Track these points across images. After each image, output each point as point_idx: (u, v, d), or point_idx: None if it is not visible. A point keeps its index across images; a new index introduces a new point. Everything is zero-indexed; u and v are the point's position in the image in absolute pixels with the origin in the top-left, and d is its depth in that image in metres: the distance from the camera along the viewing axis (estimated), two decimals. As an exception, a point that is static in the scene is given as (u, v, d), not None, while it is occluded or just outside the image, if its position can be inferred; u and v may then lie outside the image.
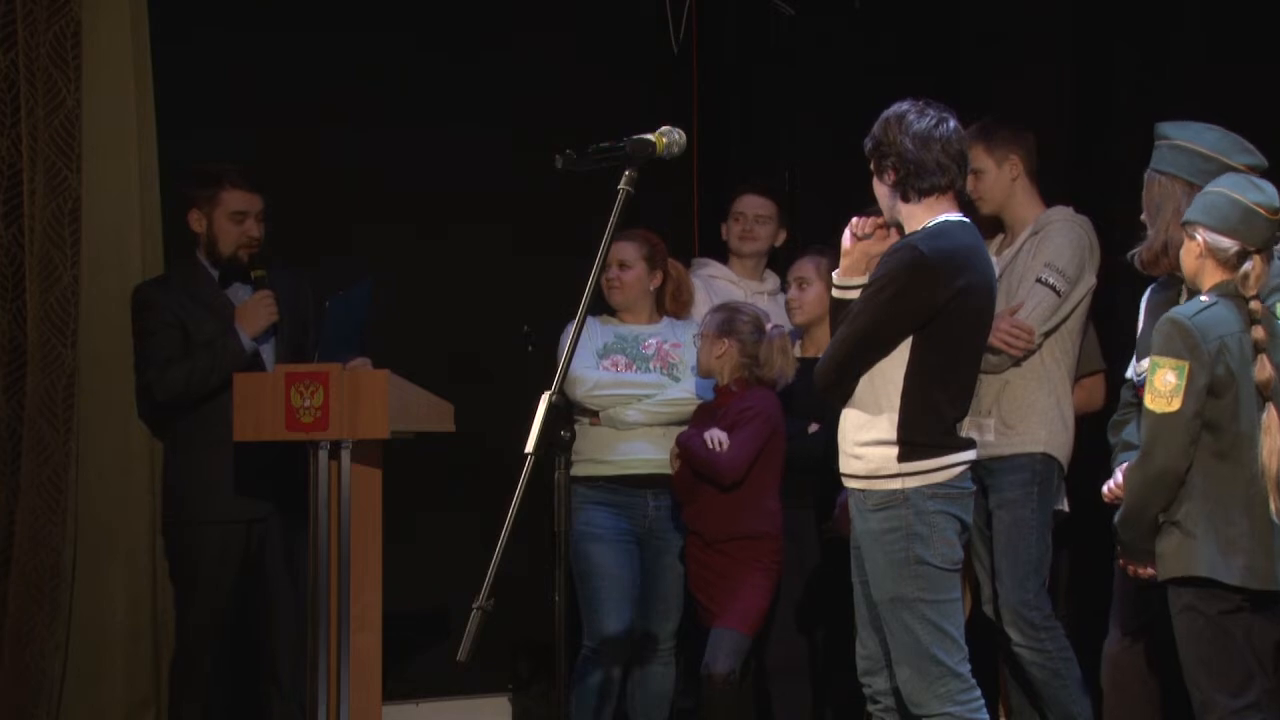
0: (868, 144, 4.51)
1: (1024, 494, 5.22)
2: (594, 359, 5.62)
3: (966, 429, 5.20)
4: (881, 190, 4.51)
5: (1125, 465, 4.59)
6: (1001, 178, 5.34)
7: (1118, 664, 4.86)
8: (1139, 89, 5.93)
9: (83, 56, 5.21)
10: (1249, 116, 4.73)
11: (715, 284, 6.05)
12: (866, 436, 4.43)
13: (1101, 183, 5.61)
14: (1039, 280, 5.21)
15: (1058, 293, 5.20)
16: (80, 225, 5.20)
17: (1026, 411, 5.25)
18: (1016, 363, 5.23)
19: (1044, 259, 5.23)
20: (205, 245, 5.32)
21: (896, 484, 4.39)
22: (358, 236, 6.09)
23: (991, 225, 5.42)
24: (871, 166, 4.52)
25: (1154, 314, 4.74)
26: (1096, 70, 6.06)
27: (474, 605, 3.48)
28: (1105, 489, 4.68)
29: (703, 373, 5.56)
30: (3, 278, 5.20)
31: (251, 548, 5.27)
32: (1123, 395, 4.90)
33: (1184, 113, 4.78)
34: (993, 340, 5.13)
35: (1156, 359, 4.29)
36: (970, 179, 5.30)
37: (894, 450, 4.39)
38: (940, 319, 4.36)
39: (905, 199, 4.46)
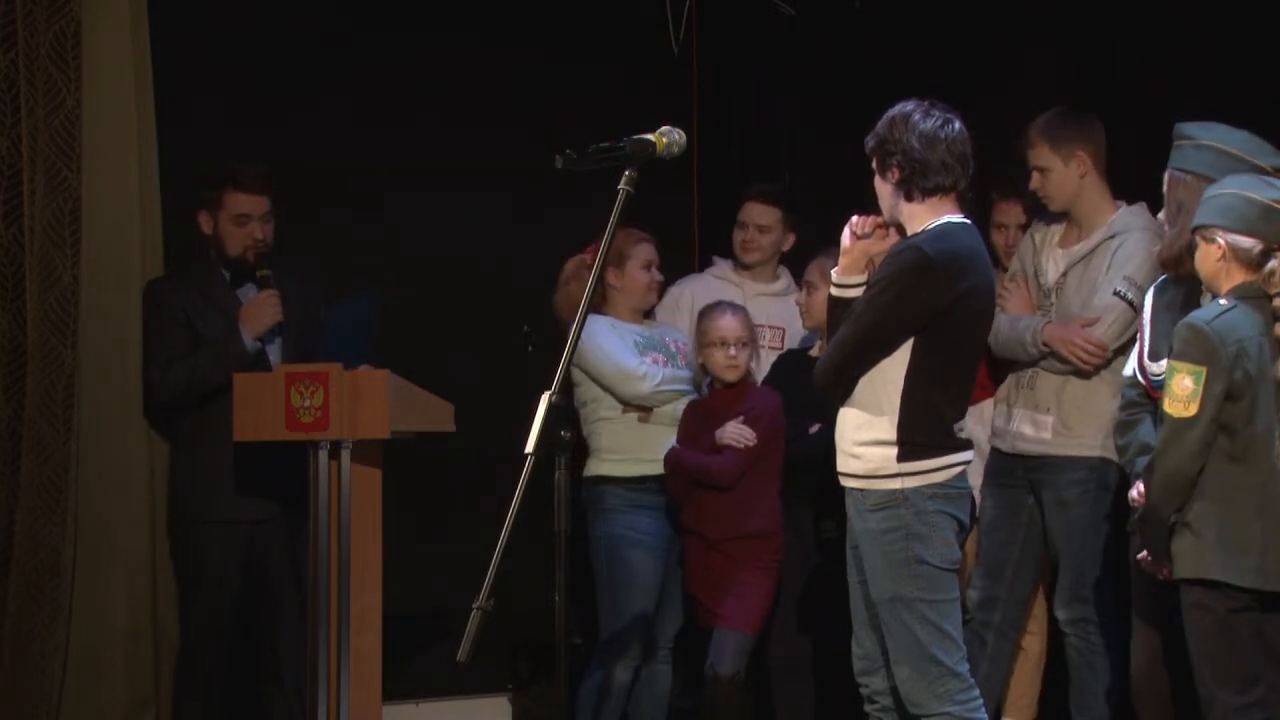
0: (870, 142, 4.50)
1: (1079, 493, 5.24)
2: (637, 355, 5.60)
3: (1019, 423, 5.21)
4: (884, 189, 4.50)
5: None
6: (1069, 175, 5.28)
7: (1144, 665, 4.86)
8: (1139, 89, 5.93)
9: (83, 56, 5.20)
10: (1249, 116, 4.73)
11: (715, 284, 6.04)
12: (866, 436, 4.42)
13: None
14: (1117, 293, 5.18)
15: (1134, 307, 5.16)
16: (80, 225, 5.20)
17: (1087, 414, 5.24)
18: (1082, 372, 5.23)
19: (1124, 271, 5.19)
20: (214, 246, 5.36)
21: (896, 484, 4.39)
22: (358, 236, 6.09)
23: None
24: (874, 165, 4.51)
25: (1160, 313, 4.74)
26: (1096, 70, 6.06)
27: (474, 605, 3.48)
28: (1131, 495, 4.69)
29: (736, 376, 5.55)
30: (3, 278, 5.19)
31: (256, 549, 5.27)
32: (1125, 394, 4.89)
33: (1184, 112, 4.78)
34: (1065, 352, 5.14)
35: (1174, 364, 4.31)
36: (1036, 176, 5.30)
37: (893, 450, 4.38)
38: (943, 321, 4.36)
39: (909, 198, 4.46)
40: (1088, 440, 5.25)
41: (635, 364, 5.55)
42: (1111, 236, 5.27)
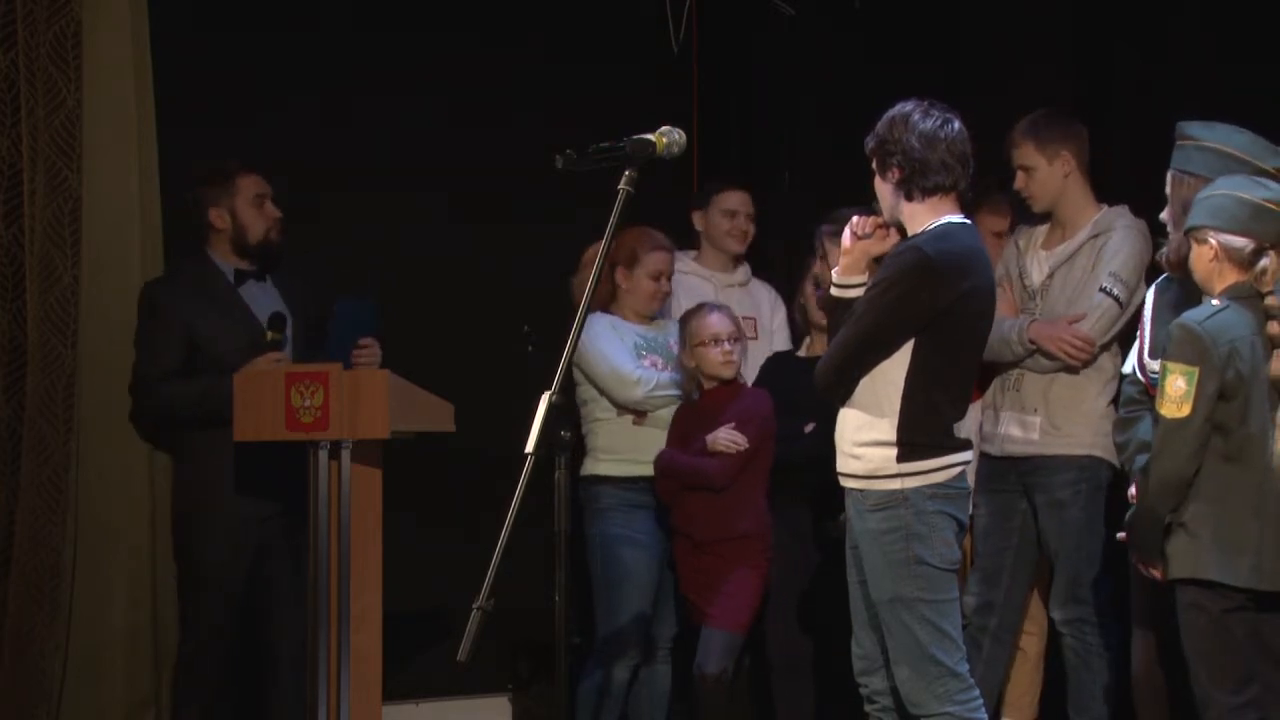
0: (870, 142, 4.50)
1: (1073, 494, 5.25)
2: (634, 358, 5.60)
3: (1006, 425, 5.22)
4: (884, 189, 4.50)
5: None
6: (1053, 175, 5.32)
7: (1144, 664, 4.85)
8: (1139, 89, 5.93)
9: (83, 56, 5.20)
10: (1248, 116, 4.73)
11: (687, 280, 6.03)
12: (866, 437, 4.42)
13: (1101, 182, 5.61)
14: (1103, 289, 5.20)
15: (1120, 304, 5.19)
16: (80, 225, 5.20)
17: (1074, 413, 5.25)
18: (1070, 369, 5.24)
19: (1109, 268, 5.22)
20: (233, 239, 5.32)
21: (896, 484, 4.39)
22: (358, 236, 6.08)
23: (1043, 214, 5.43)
24: (874, 165, 4.51)
25: (1162, 311, 4.74)
26: (1096, 70, 6.06)
27: (474, 605, 3.48)
28: (1130, 493, 4.68)
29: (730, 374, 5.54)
30: (3, 278, 5.20)
31: (263, 546, 5.25)
32: (1125, 391, 4.90)
33: (1183, 113, 4.78)
34: (1052, 349, 5.15)
35: (1168, 364, 4.32)
36: (1020, 176, 5.34)
37: (893, 451, 4.39)
38: (943, 321, 4.36)
39: (909, 198, 4.46)
40: (1076, 439, 5.26)
41: (630, 369, 5.56)
42: (1095, 236, 5.30)
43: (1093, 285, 5.23)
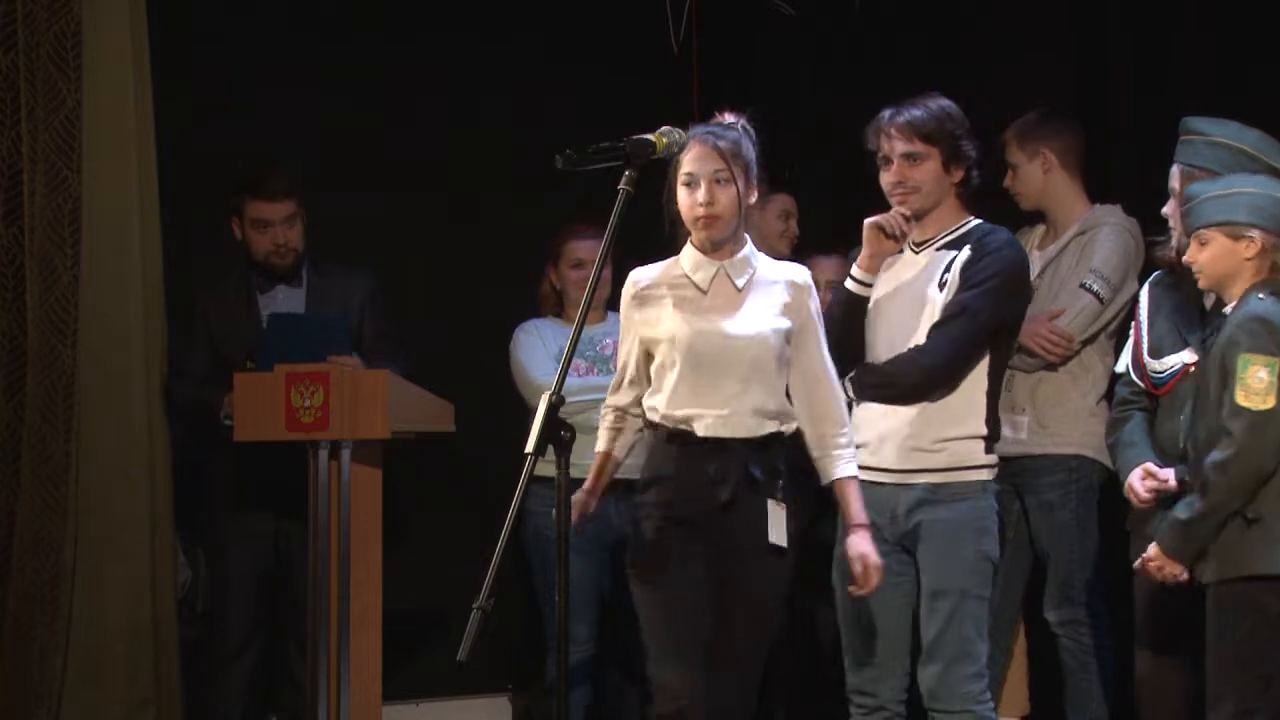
0: (932, 131, 4.47)
1: (1061, 495, 5.23)
2: (552, 365, 5.58)
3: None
4: (942, 182, 4.50)
5: (1178, 468, 4.52)
6: (1034, 172, 5.34)
7: (1154, 680, 4.81)
8: (1139, 88, 5.93)
9: (83, 56, 5.20)
10: (1249, 116, 4.72)
11: None
12: (954, 432, 4.47)
13: (1100, 181, 5.61)
14: (1083, 286, 5.20)
15: (1101, 300, 5.18)
16: (80, 225, 5.20)
17: (1062, 412, 5.24)
18: (1051, 365, 5.24)
19: (1090, 264, 5.22)
20: (245, 251, 5.43)
21: (984, 475, 4.48)
22: (357, 235, 6.08)
23: (1035, 214, 5.46)
24: (939, 156, 4.48)
25: (1159, 310, 4.72)
26: (1096, 69, 6.06)
27: (474, 605, 3.49)
28: (1137, 489, 4.60)
29: None
30: (3, 278, 5.20)
31: (291, 543, 5.27)
32: (1118, 392, 4.88)
33: (1183, 113, 4.77)
34: (1030, 344, 5.15)
35: (1246, 356, 4.23)
36: (1009, 174, 5.37)
37: (980, 444, 4.47)
38: (1020, 316, 4.58)
39: (960, 194, 4.54)
40: (1064, 438, 5.25)
41: (536, 375, 5.53)
42: (1082, 233, 5.30)
43: (1074, 281, 5.24)
